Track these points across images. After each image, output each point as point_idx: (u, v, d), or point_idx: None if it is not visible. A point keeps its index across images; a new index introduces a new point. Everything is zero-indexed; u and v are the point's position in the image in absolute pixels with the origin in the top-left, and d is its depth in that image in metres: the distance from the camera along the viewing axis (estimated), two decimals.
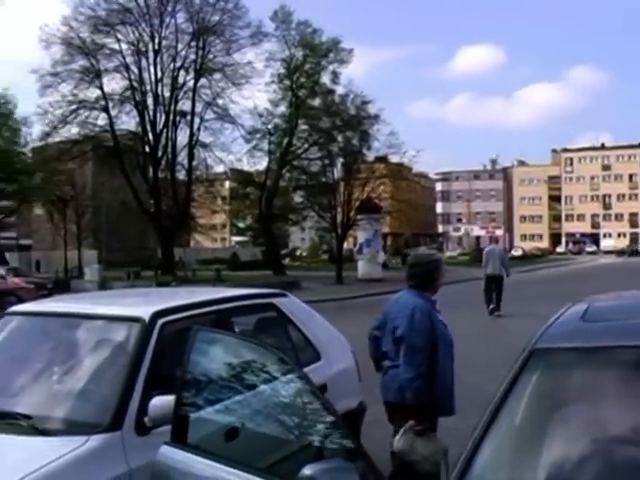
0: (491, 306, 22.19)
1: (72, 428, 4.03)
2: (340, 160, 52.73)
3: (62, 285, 39.86)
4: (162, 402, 3.94)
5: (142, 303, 5.39)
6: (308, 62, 54.64)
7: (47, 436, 3.97)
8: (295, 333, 6.03)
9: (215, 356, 3.65)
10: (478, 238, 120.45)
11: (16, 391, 4.63)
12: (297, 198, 59.91)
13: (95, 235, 70.95)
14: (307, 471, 2.79)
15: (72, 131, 53.95)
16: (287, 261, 73.35)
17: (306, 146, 54.75)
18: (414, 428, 5.03)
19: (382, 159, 52.90)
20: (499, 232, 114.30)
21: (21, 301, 6.94)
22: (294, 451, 3.35)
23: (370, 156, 53.04)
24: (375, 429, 5.64)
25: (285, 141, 54.69)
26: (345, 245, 54.62)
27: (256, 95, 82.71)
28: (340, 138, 53.24)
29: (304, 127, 55.05)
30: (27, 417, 4.12)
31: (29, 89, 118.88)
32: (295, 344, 5.95)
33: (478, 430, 2.57)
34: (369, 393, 6.41)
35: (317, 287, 36.07)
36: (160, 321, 4.54)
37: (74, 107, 53.38)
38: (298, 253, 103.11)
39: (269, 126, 55.44)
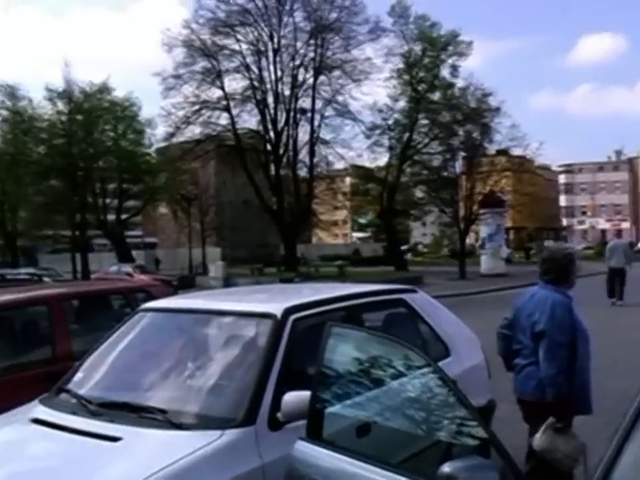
0: (613, 298, 22.41)
1: (206, 422, 4.07)
2: (461, 154, 52.10)
3: (187, 282, 40.67)
4: (294, 398, 3.95)
5: (273, 300, 5.43)
6: (427, 56, 54.30)
7: (182, 430, 4.02)
8: (425, 329, 5.96)
9: (348, 352, 3.64)
10: (604, 231, 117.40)
11: (150, 386, 4.73)
12: (418, 193, 59.38)
13: (218, 232, 72.14)
14: (446, 469, 2.75)
15: (195, 131, 55.10)
16: (409, 256, 72.88)
17: (426, 141, 54.47)
18: (555, 425, 4.91)
19: (504, 152, 51.90)
20: (625, 225, 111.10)
21: (152, 298, 7.05)
22: (426, 446, 3.31)
23: (491, 149, 52.26)
24: (503, 427, 5.53)
25: (405, 136, 54.56)
26: (467, 240, 53.90)
27: (375, 91, 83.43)
28: (461, 132, 52.68)
29: (424, 122, 54.78)
30: (162, 411, 4.19)
31: (153, 92, 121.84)
32: (425, 340, 5.89)
33: (621, 430, 2.47)
34: (496, 390, 6.32)
35: (440, 282, 35.72)
36: (292, 317, 4.55)
37: (196, 107, 54.47)
38: (420, 248, 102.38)
39: (389, 121, 55.51)
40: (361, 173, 63.00)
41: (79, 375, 5.11)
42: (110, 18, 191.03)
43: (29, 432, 4.47)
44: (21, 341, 8.03)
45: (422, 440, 3.29)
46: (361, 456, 3.19)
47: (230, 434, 3.93)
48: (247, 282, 34.64)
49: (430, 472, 2.85)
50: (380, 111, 54.87)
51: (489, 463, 2.79)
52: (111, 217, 58.49)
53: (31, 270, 41.75)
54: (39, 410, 4.68)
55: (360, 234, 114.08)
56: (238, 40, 54.50)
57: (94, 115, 54.89)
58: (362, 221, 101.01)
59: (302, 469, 3.38)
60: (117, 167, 56.56)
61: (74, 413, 4.44)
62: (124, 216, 60.44)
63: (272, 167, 55.72)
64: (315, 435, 3.42)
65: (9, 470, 4.01)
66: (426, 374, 3.20)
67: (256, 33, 54.67)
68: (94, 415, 4.32)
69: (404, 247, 78.81)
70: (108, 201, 58.77)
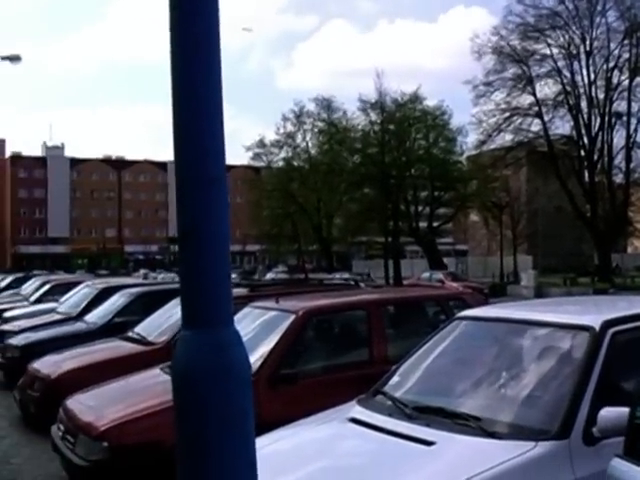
0: None
1: (519, 433, 4.05)
2: None
3: (498, 290, 40.49)
4: (612, 413, 3.84)
5: (589, 311, 5.30)
6: None
7: (495, 438, 4.04)
8: None
9: None
10: None
11: (463, 392, 4.79)
12: None
13: (530, 240, 71.15)
14: None
15: (506, 138, 54.89)
16: None
17: None
18: None
19: None
20: None
21: (466, 306, 7.14)
22: None
23: None
24: None
25: None
26: None
27: None
28: None
29: None
30: (476, 418, 4.24)
31: (463, 100, 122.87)
32: None
33: None
34: None
35: None
36: (611, 330, 4.42)
37: (507, 114, 54.26)
38: None
39: None
40: None
41: (395, 378, 5.29)
42: (419, 28, 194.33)
43: (346, 430, 4.71)
44: (339, 343, 8.41)
45: None
46: None
47: (544, 446, 3.89)
48: (559, 292, 33.90)
49: None
50: None
51: None
52: (423, 224, 59.51)
53: (346, 275, 43.43)
54: (357, 410, 4.91)
55: None
56: (549, 44, 53.71)
57: (406, 124, 56.23)
58: None
59: None
60: (429, 175, 57.53)
61: (390, 415, 4.61)
62: (435, 223, 61.26)
63: (586, 173, 54.21)
64: (633, 452, 3.32)
65: (325, 464, 4.28)
66: None
67: (567, 36, 53.59)
68: (409, 418, 4.46)
69: None
70: (420, 209, 59.92)
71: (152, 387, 7.52)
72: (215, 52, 2.59)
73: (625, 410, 3.53)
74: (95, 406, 7.29)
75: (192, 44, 2.55)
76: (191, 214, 2.56)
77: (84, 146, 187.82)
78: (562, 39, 53.75)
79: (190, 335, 2.58)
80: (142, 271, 72.26)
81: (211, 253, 2.54)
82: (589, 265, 61.25)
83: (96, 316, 14.15)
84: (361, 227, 59.53)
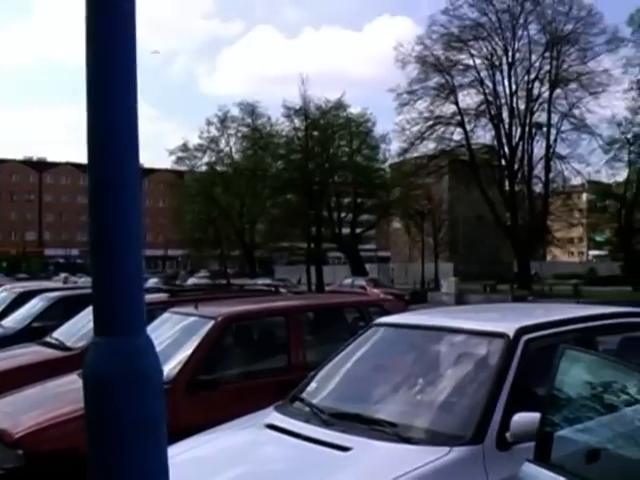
0: None
1: (434, 438, 4.10)
2: None
3: (419, 297, 40.84)
4: (524, 418, 3.91)
5: (505, 319, 5.38)
6: None
7: (411, 444, 4.08)
8: None
9: (580, 375, 3.58)
10: None
11: (380, 398, 4.84)
12: None
13: (451, 248, 71.99)
14: None
15: (428, 146, 55.55)
16: None
17: None
18: None
19: None
20: None
21: (385, 313, 7.18)
22: None
23: None
24: None
25: None
26: None
27: (613, 104, 79.89)
28: None
29: None
30: (392, 424, 4.28)
31: (387, 108, 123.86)
32: None
33: None
34: None
35: None
36: (524, 338, 4.50)
37: (430, 123, 54.96)
38: None
39: (628, 135, 53.26)
40: (598, 189, 61.08)
41: (313, 385, 5.31)
42: (344, 36, 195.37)
43: (264, 437, 4.70)
44: (258, 349, 8.39)
45: None
46: None
47: (458, 451, 3.94)
48: (479, 299, 34.36)
49: None
50: (619, 125, 52.94)
51: None
52: (345, 231, 59.81)
53: (268, 281, 43.35)
54: (274, 416, 4.90)
55: (597, 252, 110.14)
56: (472, 55, 54.66)
57: (330, 131, 56.50)
58: (599, 239, 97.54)
59: None
60: (352, 182, 57.90)
61: (307, 421, 4.62)
62: (358, 230, 61.65)
63: (506, 182, 55.13)
64: (543, 458, 3.39)
65: (242, 471, 4.26)
66: None
67: (490, 47, 54.58)
68: (326, 424, 4.48)
69: None
70: (343, 215, 60.20)
71: (69, 393, 7.37)
72: (130, 53, 2.56)
73: (537, 415, 3.59)
74: (11, 412, 7.12)
75: (107, 44, 2.51)
76: (103, 220, 2.52)
77: (3, 146, 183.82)
78: (485, 50, 54.77)
79: (102, 342, 2.54)
80: (62, 275, 71.00)
81: (124, 261, 2.51)
82: (509, 272, 62.19)
83: (13, 320, 13.82)
84: (284, 232, 59.61)
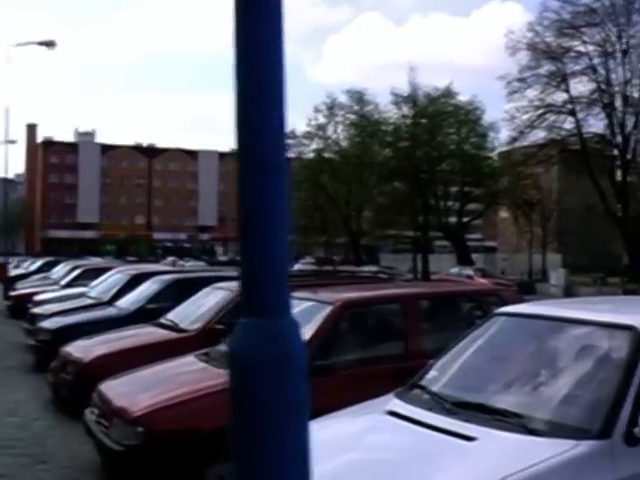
0: None
1: (560, 431, 4.04)
2: None
3: (527, 288, 40.21)
4: None
5: (630, 311, 5.28)
6: None
7: (536, 436, 4.03)
8: None
9: None
10: None
11: (503, 389, 4.78)
12: None
13: (560, 239, 70.76)
14: None
15: (538, 135, 54.35)
16: None
17: None
18: None
19: None
20: None
21: (503, 302, 7.12)
22: None
23: None
24: None
25: None
26: None
27: None
28: None
29: None
30: (517, 415, 4.25)
31: (496, 95, 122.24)
32: None
33: None
34: None
35: None
36: None
37: (541, 111, 53.75)
38: None
39: None
40: None
41: (432, 373, 5.30)
42: (453, 23, 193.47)
43: (385, 423, 4.72)
44: (374, 336, 8.42)
45: None
46: None
47: (585, 445, 3.88)
48: (589, 292, 33.66)
49: None
50: None
51: None
52: (452, 219, 59.36)
53: (374, 269, 43.38)
54: (395, 403, 4.92)
55: None
56: (584, 41, 53.10)
57: (438, 119, 56.05)
58: None
59: None
60: (459, 170, 57.36)
61: (430, 409, 4.62)
62: (465, 219, 61.10)
63: (618, 172, 53.68)
64: None
65: (363, 456, 4.31)
66: None
67: (603, 34, 52.84)
68: (449, 413, 4.47)
69: None
70: (450, 204, 59.78)
71: (187, 374, 7.56)
72: (279, 44, 2.61)
73: None
74: (130, 391, 7.33)
75: (256, 36, 2.57)
76: (252, 204, 2.58)
77: (115, 133, 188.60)
78: (598, 36, 53.20)
79: (249, 323, 2.59)
80: (170, 258, 72.55)
81: (271, 244, 2.56)
82: (618, 265, 60.76)
83: (128, 302, 14.22)
84: (390, 220, 59.55)
